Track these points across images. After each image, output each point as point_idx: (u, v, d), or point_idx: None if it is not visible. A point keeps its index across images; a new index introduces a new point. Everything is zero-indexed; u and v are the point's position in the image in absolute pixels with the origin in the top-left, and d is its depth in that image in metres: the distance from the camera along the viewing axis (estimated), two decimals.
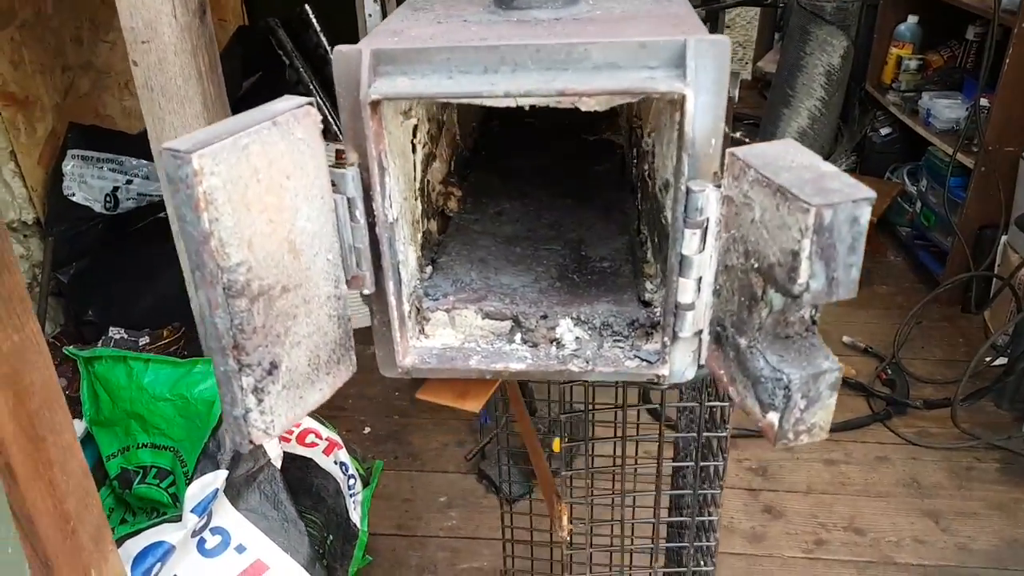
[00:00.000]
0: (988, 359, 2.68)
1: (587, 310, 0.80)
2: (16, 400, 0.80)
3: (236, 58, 2.85)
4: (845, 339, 2.96)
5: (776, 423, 0.58)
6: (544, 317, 0.81)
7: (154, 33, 1.23)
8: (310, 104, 0.63)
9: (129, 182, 2.20)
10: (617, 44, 0.61)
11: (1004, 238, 2.84)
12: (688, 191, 0.63)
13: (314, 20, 2.78)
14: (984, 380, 2.63)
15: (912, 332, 2.92)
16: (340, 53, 0.64)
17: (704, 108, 0.61)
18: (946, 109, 3.23)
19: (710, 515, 1.06)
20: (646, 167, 0.86)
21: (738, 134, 4.20)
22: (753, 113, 4.44)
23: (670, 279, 0.68)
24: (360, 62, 0.64)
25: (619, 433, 1.10)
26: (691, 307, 0.68)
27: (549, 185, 1.08)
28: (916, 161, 3.52)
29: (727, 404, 0.94)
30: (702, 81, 0.61)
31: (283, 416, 0.64)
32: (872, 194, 0.50)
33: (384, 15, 2.40)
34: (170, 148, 0.53)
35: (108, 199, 2.16)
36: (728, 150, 0.59)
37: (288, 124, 0.60)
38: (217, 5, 3.02)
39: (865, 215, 0.49)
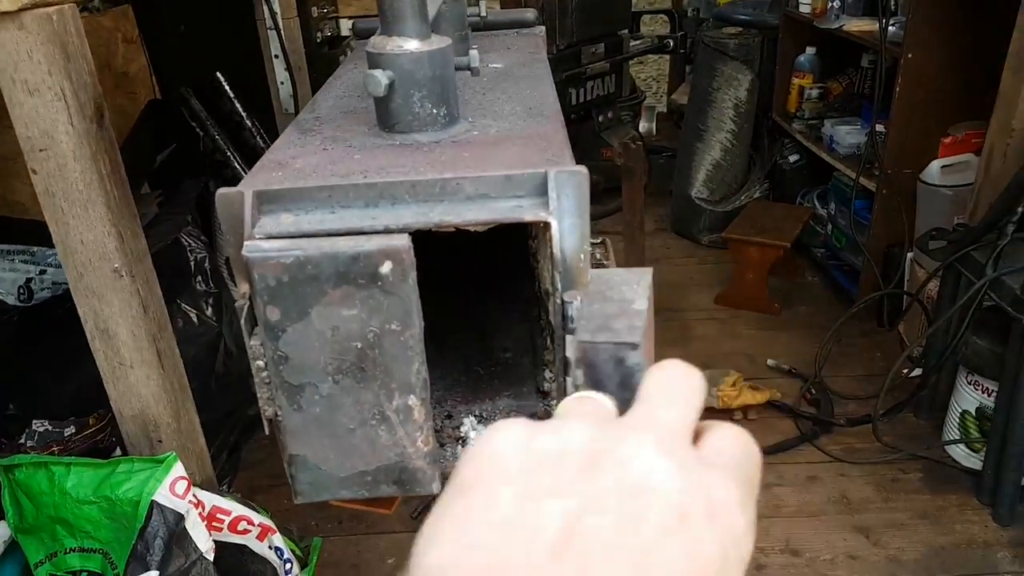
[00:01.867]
0: (905, 371, 2.80)
1: (489, 406, 0.83)
2: None
3: (148, 131, 2.83)
4: (769, 362, 3.06)
5: None
6: (449, 417, 0.84)
7: (51, 141, 1.23)
8: None
9: (43, 272, 2.16)
10: (486, 178, 0.65)
11: (910, 255, 2.99)
12: (563, 302, 0.67)
13: (227, 87, 2.78)
14: (903, 392, 2.75)
15: (832, 350, 3.02)
16: (222, 195, 0.67)
17: (569, 229, 0.66)
18: (847, 135, 3.39)
19: None
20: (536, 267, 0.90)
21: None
22: (670, 145, 4.57)
23: (559, 378, 0.72)
24: (243, 203, 0.67)
25: None
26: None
27: (460, 277, 1.11)
28: (824, 185, 3.67)
29: None
30: (565, 206, 0.65)
31: None
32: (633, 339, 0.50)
33: (294, 83, 2.42)
34: None
35: (22, 291, 2.12)
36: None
37: None
38: (126, 79, 3.00)
39: (632, 357, 0.50)
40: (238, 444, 2.76)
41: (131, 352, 1.41)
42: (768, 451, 2.62)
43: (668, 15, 3.13)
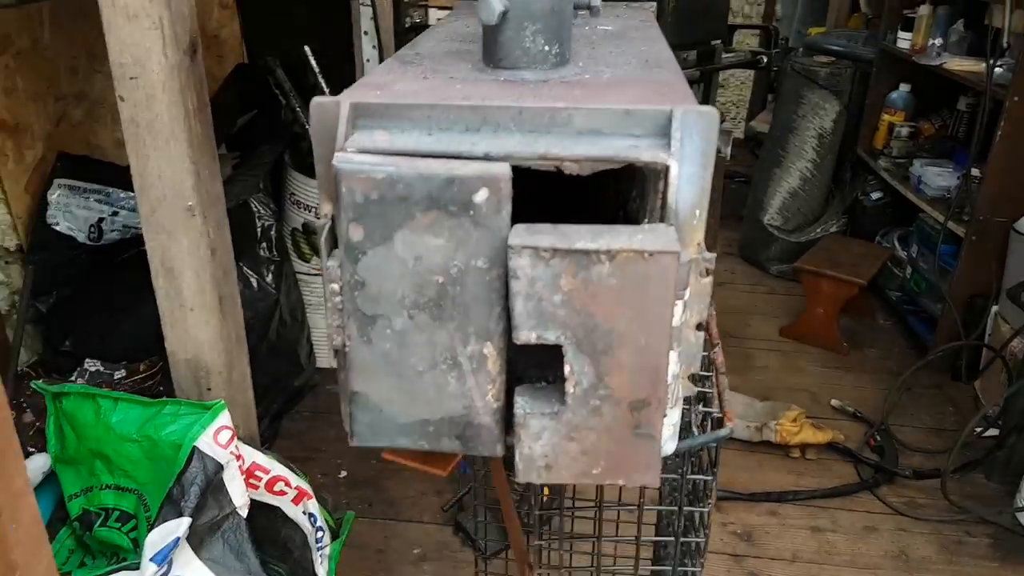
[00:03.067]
0: (978, 430, 2.65)
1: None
2: None
3: (232, 95, 2.84)
4: (834, 402, 2.94)
5: None
6: (519, 381, 0.78)
7: (143, 69, 1.22)
8: None
9: (115, 213, 2.17)
10: (601, 111, 0.60)
11: (995, 308, 2.84)
12: None
13: (313, 61, 2.78)
14: (974, 451, 2.59)
15: (902, 398, 2.89)
16: (318, 104, 0.63)
17: (689, 179, 0.60)
18: (937, 177, 3.25)
19: None
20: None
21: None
22: (745, 171, 4.47)
23: None
24: (338, 114, 0.62)
25: (598, 501, 1.06)
26: (677, 377, 0.66)
27: None
28: (907, 226, 3.53)
29: (709, 478, 0.92)
30: (687, 152, 0.59)
31: None
32: None
33: (382, 59, 2.41)
34: None
35: (92, 230, 2.13)
36: None
37: None
38: (216, 42, 3.03)
39: None
40: (280, 412, 2.74)
41: (193, 294, 1.38)
42: (824, 494, 2.50)
43: (764, 30, 3.05)
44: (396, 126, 0.63)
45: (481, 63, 0.76)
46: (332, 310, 0.66)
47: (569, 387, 0.63)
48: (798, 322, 3.36)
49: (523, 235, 0.58)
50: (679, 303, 0.64)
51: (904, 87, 3.59)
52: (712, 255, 0.63)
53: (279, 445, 2.67)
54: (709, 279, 0.65)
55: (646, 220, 0.65)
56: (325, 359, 2.99)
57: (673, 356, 0.66)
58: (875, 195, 3.71)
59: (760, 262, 3.94)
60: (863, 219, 3.77)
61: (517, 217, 0.66)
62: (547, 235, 0.58)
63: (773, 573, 2.24)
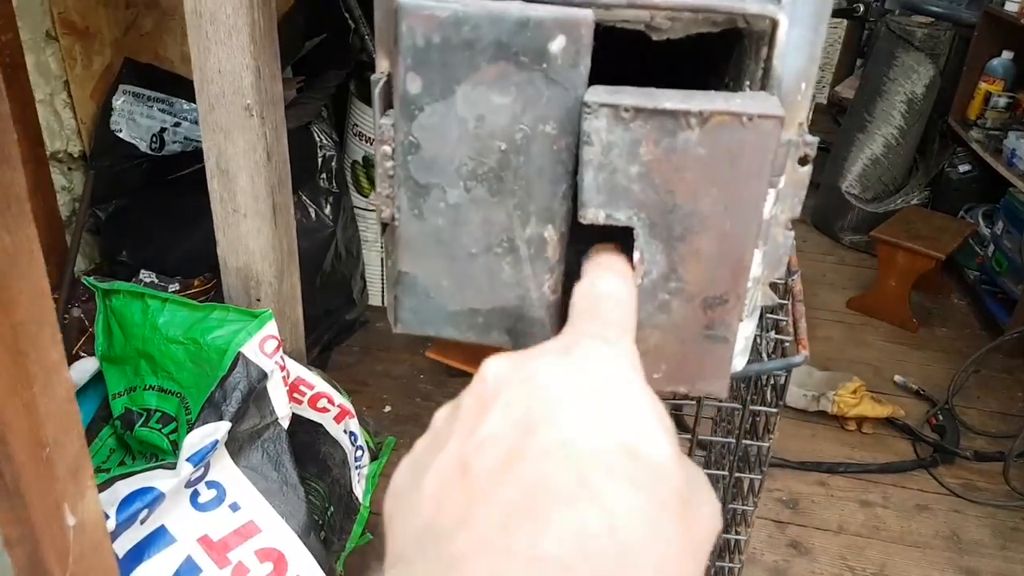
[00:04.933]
0: None
1: None
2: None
3: (302, 17, 2.80)
4: (897, 378, 2.81)
5: None
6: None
7: None
8: None
9: (177, 124, 2.15)
10: None
11: None
12: None
13: None
14: None
15: (969, 379, 2.76)
16: None
17: (798, 43, 0.52)
18: None
19: (738, 533, 0.96)
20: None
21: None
22: (824, 138, 4.28)
23: None
24: None
25: None
26: (758, 281, 0.59)
27: None
28: (994, 203, 3.34)
29: (774, 412, 0.84)
30: (799, 10, 0.51)
31: None
32: None
33: None
34: None
35: (154, 139, 2.12)
36: None
37: None
38: None
39: None
40: (330, 344, 2.74)
41: (247, 199, 1.35)
42: (878, 469, 2.40)
43: None
44: None
45: None
46: (382, 177, 0.59)
47: (637, 277, 0.56)
48: (867, 294, 3.22)
49: (601, 93, 0.51)
50: (771, 192, 0.56)
51: (1007, 54, 3.37)
52: (814, 139, 0.55)
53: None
54: (807, 168, 0.57)
55: (754, 82, 0.56)
56: (377, 296, 2.98)
57: (757, 255, 0.58)
58: (963, 167, 3.51)
59: (833, 231, 3.78)
60: (947, 192, 3.58)
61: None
62: (629, 94, 0.50)
63: (816, 542, 2.16)
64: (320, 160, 2.53)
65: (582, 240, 0.68)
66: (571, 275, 0.66)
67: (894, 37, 3.48)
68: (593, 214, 0.54)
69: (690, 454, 0.93)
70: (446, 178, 0.59)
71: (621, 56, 0.57)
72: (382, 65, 0.61)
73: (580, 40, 0.52)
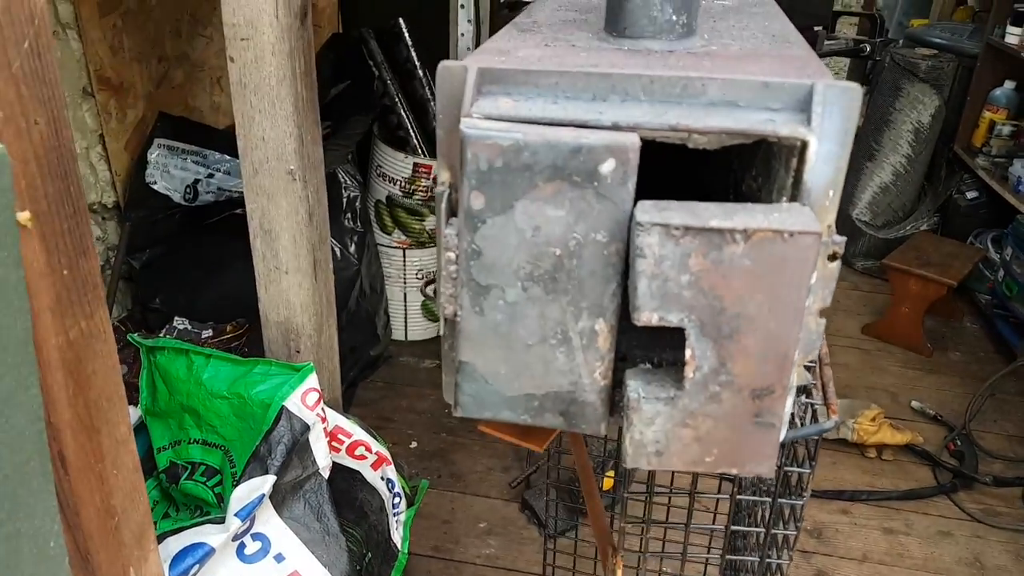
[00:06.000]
0: None
1: (669, 356, 0.76)
2: (76, 388, 0.78)
3: (327, 64, 2.88)
4: (914, 404, 2.84)
5: None
6: (623, 360, 0.77)
7: (254, 31, 1.24)
8: None
9: (210, 176, 2.22)
10: (738, 81, 0.57)
11: None
12: None
13: (406, 34, 2.79)
14: None
15: (985, 404, 2.78)
16: (445, 68, 0.62)
17: (826, 157, 0.57)
18: None
19: None
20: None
21: None
22: None
23: None
24: (465, 79, 0.61)
25: (692, 488, 1.04)
26: (795, 365, 0.64)
27: None
28: (1002, 228, 3.38)
29: (807, 471, 0.89)
30: (827, 129, 0.57)
31: None
32: None
33: (478, 35, 2.40)
34: None
35: (188, 190, 2.19)
36: None
37: None
38: (314, 11, 3.06)
39: None
40: (356, 381, 2.79)
41: (289, 257, 1.41)
42: (899, 496, 2.43)
43: (870, 19, 2.93)
44: (522, 93, 0.62)
45: (602, 32, 0.74)
46: (446, 279, 0.65)
47: (689, 372, 0.61)
48: (882, 320, 3.26)
49: (652, 212, 0.57)
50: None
51: (1009, 84, 3.43)
52: (842, 239, 0.61)
53: (353, 413, 2.71)
54: (836, 263, 0.62)
55: (773, 200, 0.62)
56: (400, 331, 3.03)
57: None
58: (970, 194, 3.56)
59: (846, 257, 3.82)
60: (956, 218, 3.63)
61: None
62: (678, 212, 0.56)
63: (842, 571, 2.19)
64: (345, 201, 2.59)
65: (625, 329, 0.73)
66: (622, 362, 0.71)
67: (899, 69, 3.54)
68: (647, 317, 0.60)
69: (729, 512, 0.97)
70: (505, 279, 0.65)
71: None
72: (443, 176, 0.67)
73: (628, 163, 0.58)
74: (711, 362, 0.59)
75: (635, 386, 0.63)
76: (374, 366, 2.91)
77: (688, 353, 0.59)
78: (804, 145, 0.56)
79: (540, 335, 0.66)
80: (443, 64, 0.62)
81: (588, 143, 0.58)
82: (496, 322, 0.66)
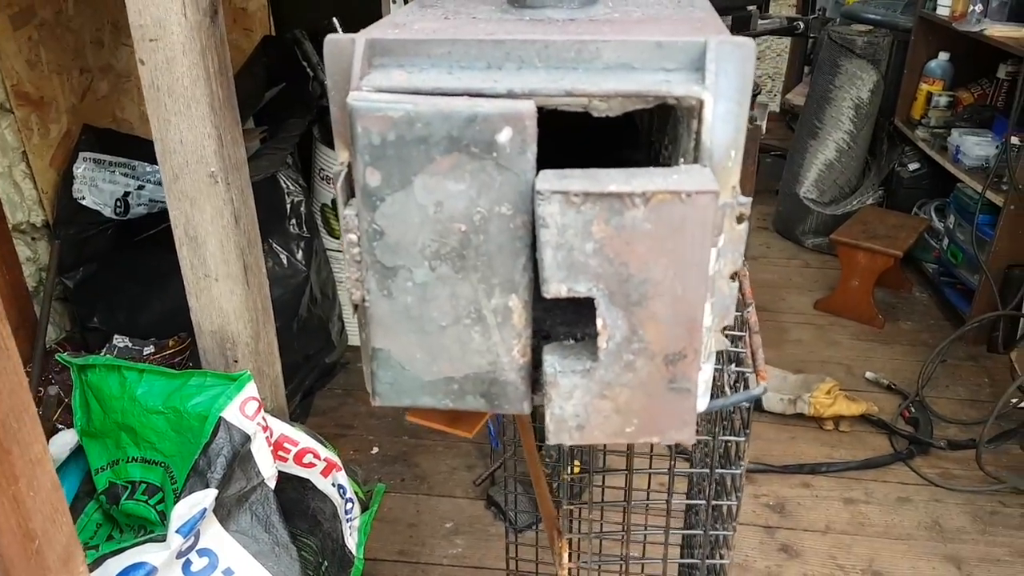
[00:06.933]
0: (1014, 401, 2.59)
1: (592, 330, 0.74)
2: None
3: (260, 68, 2.83)
4: (868, 375, 2.88)
5: None
6: (546, 338, 0.75)
7: (163, 31, 1.20)
8: None
9: (141, 187, 2.16)
10: (631, 43, 0.56)
11: None
12: None
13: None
14: (1010, 422, 2.55)
15: (936, 370, 2.84)
16: (332, 42, 0.60)
17: (724, 116, 0.56)
18: (975, 147, 3.16)
19: (721, 557, 1.00)
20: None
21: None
22: (780, 144, 4.39)
23: None
24: (353, 52, 0.59)
25: (628, 465, 1.03)
26: (710, 330, 0.63)
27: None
28: (944, 197, 3.45)
29: (742, 439, 0.88)
30: (723, 87, 0.55)
31: None
32: None
33: None
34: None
35: (119, 204, 2.13)
36: None
37: None
38: (244, 15, 3.01)
39: None
40: (312, 389, 2.74)
41: (217, 263, 1.37)
42: (858, 466, 2.46)
43: None
44: (414, 64, 0.60)
45: (505, 4, 0.73)
46: (350, 262, 0.63)
47: (602, 342, 0.60)
48: (833, 295, 3.30)
49: (551, 180, 0.55)
50: (713, 251, 0.60)
51: (943, 55, 3.49)
52: (747, 199, 0.59)
53: (311, 422, 2.67)
54: (744, 225, 0.61)
55: (681, 164, 0.61)
56: (355, 336, 2.99)
57: (706, 308, 0.63)
58: (912, 166, 3.62)
59: (795, 236, 3.87)
60: (900, 190, 3.69)
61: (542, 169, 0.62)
62: (578, 179, 0.54)
63: (806, 544, 2.20)
64: (288, 206, 2.55)
65: (548, 307, 0.71)
66: (539, 338, 0.70)
67: (836, 46, 3.58)
68: (556, 288, 0.58)
69: (669, 487, 0.97)
70: (411, 260, 0.63)
71: (566, 116, 0.61)
72: (342, 156, 0.65)
73: (525, 130, 0.56)
74: (623, 330, 0.57)
75: (551, 360, 0.62)
76: (331, 373, 2.86)
77: (600, 323, 0.57)
78: (701, 104, 0.54)
79: (453, 315, 0.64)
80: (330, 37, 0.59)
81: (483, 112, 0.56)
82: (406, 305, 0.64)
